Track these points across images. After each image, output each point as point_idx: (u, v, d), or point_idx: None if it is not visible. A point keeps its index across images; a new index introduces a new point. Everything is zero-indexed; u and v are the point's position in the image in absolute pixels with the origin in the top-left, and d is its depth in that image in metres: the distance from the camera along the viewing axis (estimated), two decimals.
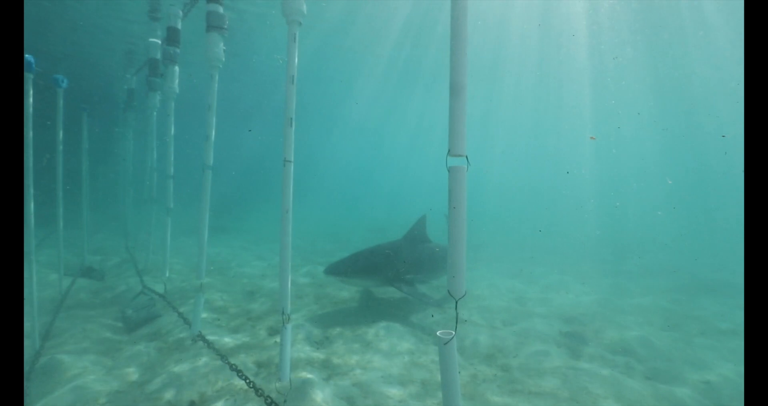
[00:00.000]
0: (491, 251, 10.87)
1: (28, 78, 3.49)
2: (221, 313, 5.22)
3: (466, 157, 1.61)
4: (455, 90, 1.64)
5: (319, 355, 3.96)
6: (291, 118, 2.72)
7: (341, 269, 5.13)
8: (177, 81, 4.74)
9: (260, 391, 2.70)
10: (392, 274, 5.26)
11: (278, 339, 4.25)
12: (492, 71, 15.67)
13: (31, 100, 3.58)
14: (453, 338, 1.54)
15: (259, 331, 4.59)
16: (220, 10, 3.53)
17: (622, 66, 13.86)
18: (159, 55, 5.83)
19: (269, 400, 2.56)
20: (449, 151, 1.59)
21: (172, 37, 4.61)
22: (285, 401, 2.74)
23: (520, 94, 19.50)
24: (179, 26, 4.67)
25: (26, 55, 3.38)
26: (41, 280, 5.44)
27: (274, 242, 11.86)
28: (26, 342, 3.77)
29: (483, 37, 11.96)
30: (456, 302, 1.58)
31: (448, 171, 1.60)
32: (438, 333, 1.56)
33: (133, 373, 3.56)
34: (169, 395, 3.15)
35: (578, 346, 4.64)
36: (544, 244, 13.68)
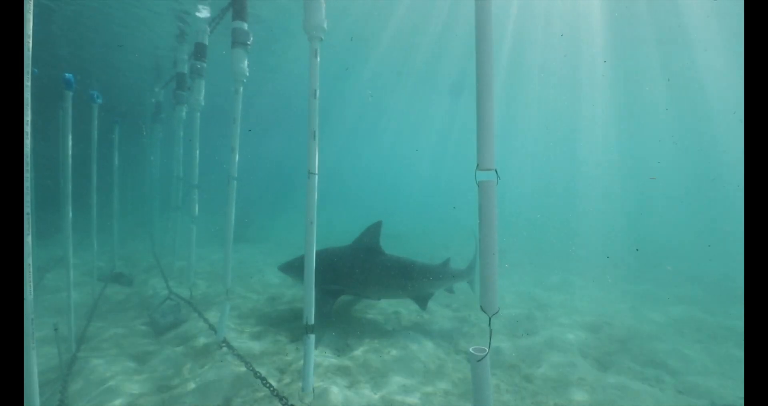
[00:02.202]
0: (512, 257, 10.68)
1: (68, 95, 3.70)
2: (244, 319, 5.33)
3: (496, 170, 1.59)
4: (482, 102, 1.63)
5: (340, 363, 3.99)
6: (314, 132, 2.79)
7: (286, 266, 5.24)
8: (203, 94, 4.92)
9: (284, 399, 2.74)
10: (319, 280, 4.88)
11: (299, 346, 4.30)
12: (509, 72, 15.56)
13: (70, 114, 3.80)
14: (487, 355, 1.51)
15: (280, 337, 4.66)
16: (245, 26, 3.66)
17: (639, 68, 13.58)
18: (186, 70, 6.07)
19: None
20: (478, 165, 1.58)
21: (199, 52, 4.80)
22: None
23: (536, 95, 19.26)
24: (206, 42, 4.86)
25: (67, 74, 3.60)
26: (76, 285, 5.70)
27: (295, 249, 12.00)
28: (63, 345, 3.96)
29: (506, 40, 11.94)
30: (489, 319, 1.56)
31: (478, 186, 1.59)
32: (471, 349, 1.54)
33: (161, 377, 3.67)
34: (195, 399, 3.24)
35: (605, 357, 4.50)
36: (567, 250, 13.35)
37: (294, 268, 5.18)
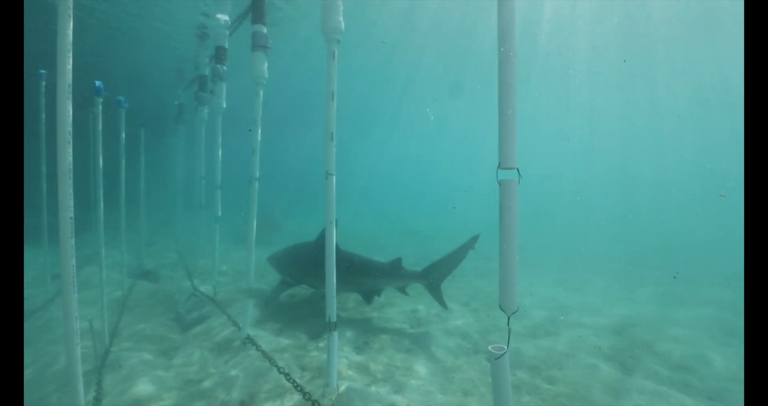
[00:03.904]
0: (531, 255, 10.51)
1: (98, 102, 3.87)
2: (265, 316, 5.45)
3: (518, 169, 1.58)
4: (504, 100, 1.60)
5: (359, 360, 4.04)
6: (332, 133, 2.82)
7: (270, 257, 5.95)
8: (224, 96, 5.05)
9: (308, 395, 2.80)
10: (283, 272, 5.63)
11: (320, 343, 4.38)
12: (526, 69, 15.29)
13: (100, 119, 3.97)
14: (505, 353, 1.52)
15: (300, 334, 4.75)
16: (264, 30, 3.73)
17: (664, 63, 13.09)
18: (207, 72, 6.23)
19: (317, 405, 2.65)
20: (500, 164, 1.57)
21: (220, 55, 4.92)
22: None
23: (554, 92, 18.84)
24: (226, 45, 4.98)
25: (96, 82, 3.76)
26: (106, 281, 5.96)
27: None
28: (97, 339, 4.17)
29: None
30: (508, 318, 1.56)
31: (499, 185, 1.58)
32: (489, 348, 1.55)
33: (188, 371, 3.81)
34: (221, 394, 3.35)
35: (630, 360, 4.38)
36: (588, 249, 13.02)
37: (275, 259, 5.94)
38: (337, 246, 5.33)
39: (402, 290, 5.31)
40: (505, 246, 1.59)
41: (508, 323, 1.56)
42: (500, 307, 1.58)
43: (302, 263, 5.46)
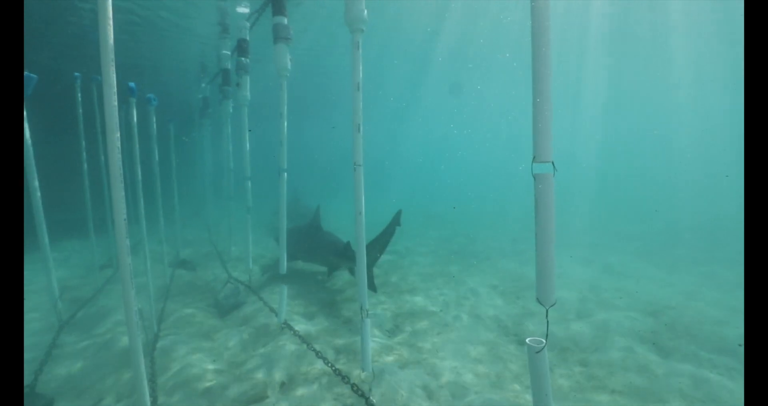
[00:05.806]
0: (561, 235, 10.28)
1: (132, 102, 4.03)
2: (297, 301, 5.67)
3: (553, 163, 1.54)
4: (539, 89, 1.54)
5: (391, 343, 4.16)
6: (359, 124, 2.82)
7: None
8: (248, 89, 5.10)
9: (346, 378, 2.94)
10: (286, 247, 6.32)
11: (351, 327, 4.54)
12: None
13: (134, 117, 4.14)
14: (544, 347, 1.53)
15: (333, 319, 4.93)
16: (285, 21, 3.71)
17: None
18: (230, 66, 6.29)
19: (356, 387, 2.78)
20: (534, 157, 1.54)
21: (242, 48, 4.95)
22: (370, 390, 2.96)
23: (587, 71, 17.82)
24: (248, 37, 5.00)
25: (130, 83, 3.90)
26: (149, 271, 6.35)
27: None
28: (145, 324, 4.49)
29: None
30: (546, 311, 1.56)
31: (534, 178, 1.55)
32: (528, 341, 1.56)
33: (230, 354, 4.06)
34: (262, 375, 3.56)
35: (667, 343, 4.29)
36: (622, 229, 12.58)
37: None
38: (320, 227, 6.27)
39: (352, 272, 5.76)
40: (541, 240, 1.57)
41: (547, 315, 1.56)
42: (538, 300, 1.58)
43: (295, 241, 6.25)
